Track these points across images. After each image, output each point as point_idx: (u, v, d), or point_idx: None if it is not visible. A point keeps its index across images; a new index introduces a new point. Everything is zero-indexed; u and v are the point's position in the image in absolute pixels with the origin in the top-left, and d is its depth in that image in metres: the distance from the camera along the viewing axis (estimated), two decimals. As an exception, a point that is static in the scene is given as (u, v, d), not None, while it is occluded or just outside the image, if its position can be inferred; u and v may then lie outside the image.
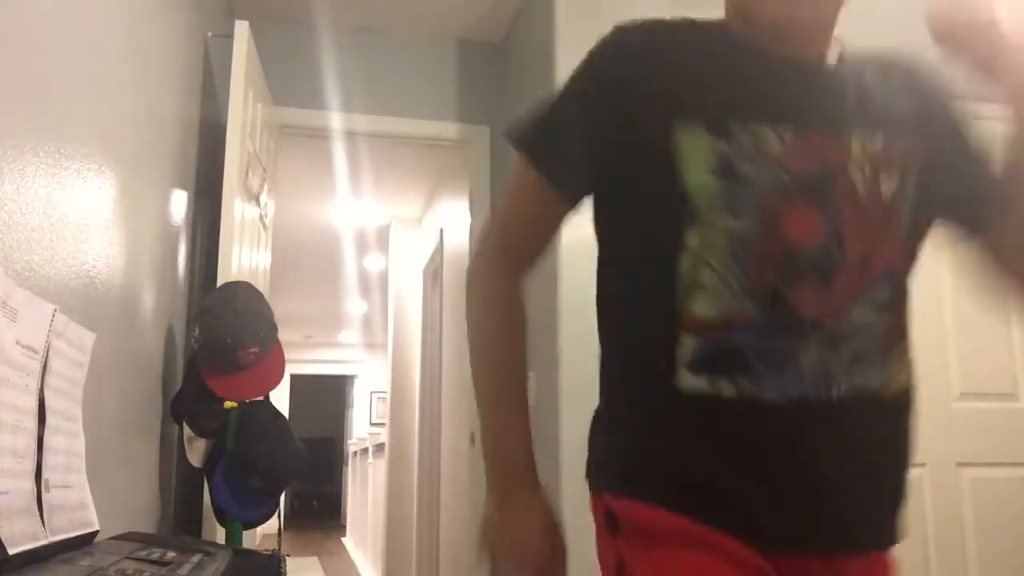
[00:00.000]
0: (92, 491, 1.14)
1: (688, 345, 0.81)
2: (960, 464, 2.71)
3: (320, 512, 12.75)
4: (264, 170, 2.90)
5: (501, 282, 0.98)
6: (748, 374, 0.80)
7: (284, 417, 2.13)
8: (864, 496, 0.83)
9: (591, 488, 0.94)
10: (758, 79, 0.86)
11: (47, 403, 0.99)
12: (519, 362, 0.98)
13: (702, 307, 0.81)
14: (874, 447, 0.83)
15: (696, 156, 0.82)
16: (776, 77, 0.85)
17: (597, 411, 0.97)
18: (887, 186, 0.84)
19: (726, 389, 0.80)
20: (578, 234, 2.75)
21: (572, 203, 0.95)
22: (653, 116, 0.84)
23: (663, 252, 0.83)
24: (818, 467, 0.80)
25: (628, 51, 0.90)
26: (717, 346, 0.81)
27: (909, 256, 0.88)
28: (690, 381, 0.81)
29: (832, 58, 0.89)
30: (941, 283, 2.81)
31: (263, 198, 2.94)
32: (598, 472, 0.93)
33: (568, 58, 2.71)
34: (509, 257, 0.98)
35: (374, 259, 6.62)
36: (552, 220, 0.96)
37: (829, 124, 0.84)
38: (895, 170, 0.84)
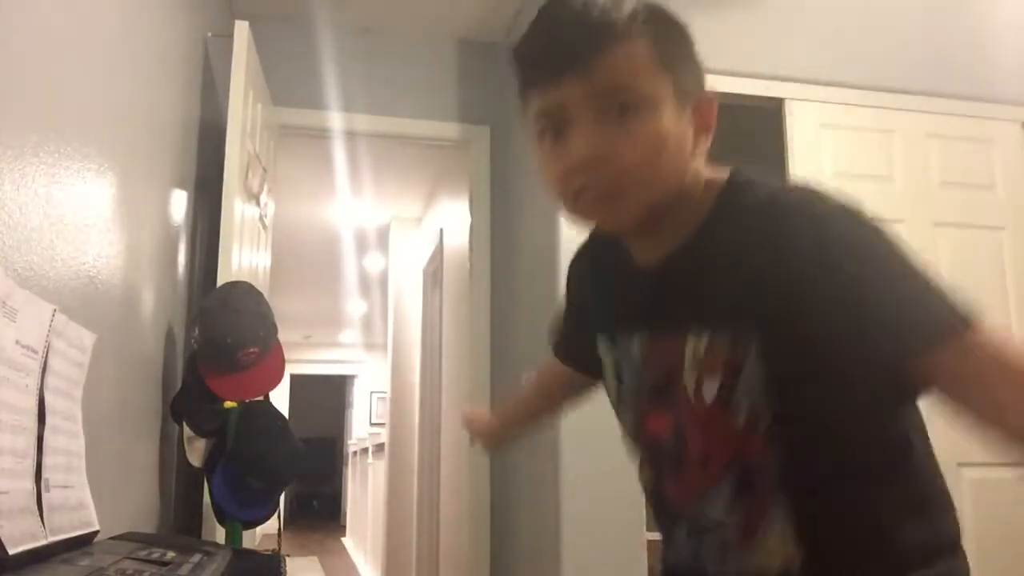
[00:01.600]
0: (92, 491, 1.14)
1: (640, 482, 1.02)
2: (960, 464, 2.71)
3: (320, 512, 12.74)
4: (264, 170, 2.90)
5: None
6: (659, 528, 1.01)
7: (284, 417, 2.13)
8: None
9: None
10: (628, 289, 0.95)
11: (47, 403, 0.99)
12: (536, 388, 1.36)
13: (639, 468, 1.01)
14: None
15: (606, 361, 1.01)
16: (636, 286, 0.93)
17: None
18: (708, 389, 0.85)
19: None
20: (578, 235, 2.75)
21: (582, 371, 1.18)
22: (585, 327, 1.06)
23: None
24: None
25: (571, 279, 1.13)
26: (647, 496, 1.01)
27: (773, 440, 0.83)
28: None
29: (691, 237, 0.87)
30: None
31: (263, 198, 2.94)
32: None
33: (568, 58, 2.71)
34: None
35: (374, 259, 6.62)
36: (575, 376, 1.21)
37: (668, 328, 0.89)
38: (717, 372, 0.84)
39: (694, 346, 0.85)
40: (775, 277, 0.79)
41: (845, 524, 0.85)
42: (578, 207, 0.87)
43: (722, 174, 0.88)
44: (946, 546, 0.89)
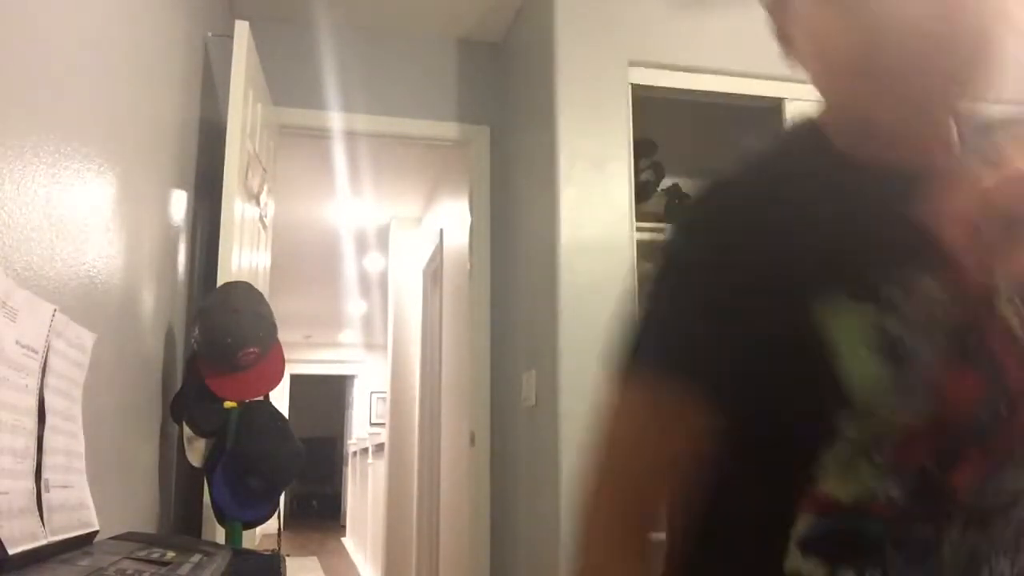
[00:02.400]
0: (92, 491, 1.14)
1: (806, 522, 0.67)
2: (960, 464, 2.71)
3: (320, 512, 12.74)
4: (264, 170, 2.90)
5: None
6: (880, 564, 0.65)
7: (284, 417, 2.13)
8: None
9: None
10: (889, 212, 0.66)
11: (47, 403, 0.99)
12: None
13: (834, 487, 0.66)
14: None
15: (850, 336, 0.64)
16: (906, 203, 0.63)
17: None
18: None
19: None
20: (578, 235, 2.77)
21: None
22: (778, 294, 0.66)
23: (803, 442, 0.67)
24: None
25: (729, 217, 0.70)
26: (842, 528, 0.66)
27: None
28: (798, 563, 0.66)
29: (952, 148, 0.68)
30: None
31: (263, 198, 2.94)
32: None
33: (568, 58, 2.71)
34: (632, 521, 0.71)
35: (374, 259, 6.62)
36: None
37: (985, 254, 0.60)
38: None
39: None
40: None
41: None
42: (882, 86, 0.66)
43: None
44: None
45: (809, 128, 0.73)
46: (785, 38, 0.75)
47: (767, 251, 0.67)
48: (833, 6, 0.65)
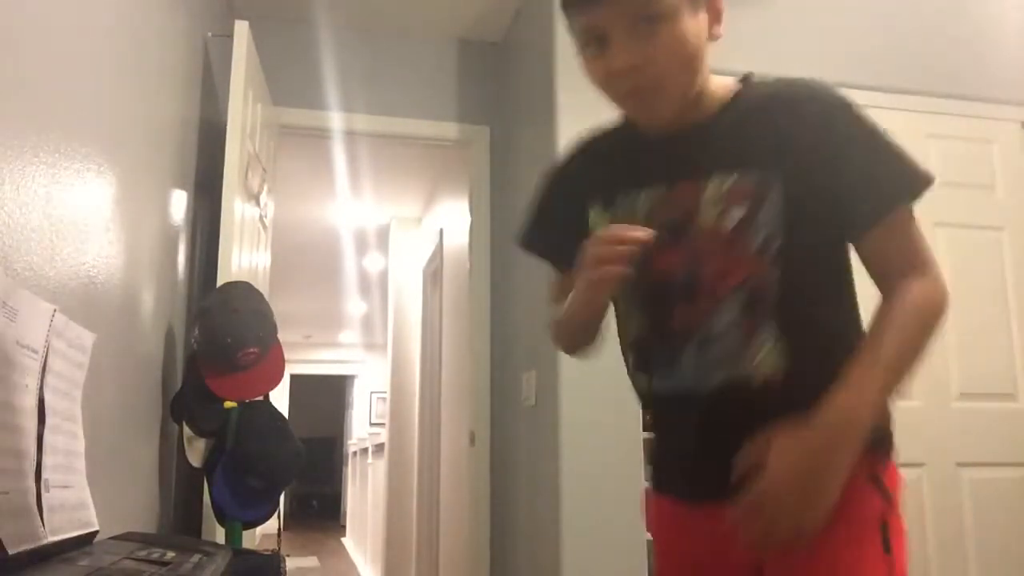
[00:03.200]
0: (92, 491, 1.14)
1: (630, 354, 1.16)
2: (960, 464, 2.71)
3: (320, 512, 12.74)
4: (264, 170, 2.90)
5: None
6: (653, 371, 1.11)
7: (284, 417, 2.13)
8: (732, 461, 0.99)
9: None
10: (642, 158, 1.12)
11: (47, 403, 0.99)
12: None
13: (631, 330, 1.15)
14: (744, 424, 0.98)
15: (598, 225, 1.12)
16: (655, 152, 1.10)
17: None
18: (732, 216, 1.02)
19: (645, 380, 1.13)
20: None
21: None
22: (565, 214, 1.19)
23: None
24: (698, 442, 1.07)
25: (554, 180, 1.26)
26: (640, 353, 1.14)
27: (776, 262, 1.02)
28: (633, 376, 1.16)
29: (711, 116, 1.08)
30: (941, 283, 2.81)
31: (263, 198, 2.94)
32: None
33: (568, 58, 2.71)
34: None
35: (374, 259, 6.62)
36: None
37: (691, 175, 1.05)
38: (744, 202, 1.02)
39: (719, 185, 1.03)
40: (796, 133, 1.03)
41: (819, 337, 1.05)
42: (627, 105, 1.08)
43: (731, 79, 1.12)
44: None
45: (625, 124, 1.17)
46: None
47: (568, 193, 1.20)
48: (592, 64, 1.06)
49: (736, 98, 1.09)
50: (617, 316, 1.18)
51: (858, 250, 1.07)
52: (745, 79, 1.13)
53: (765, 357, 1.02)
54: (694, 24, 1.01)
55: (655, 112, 1.07)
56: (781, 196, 1.01)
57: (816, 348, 1.03)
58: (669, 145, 1.09)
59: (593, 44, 1.03)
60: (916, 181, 1.02)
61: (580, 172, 1.20)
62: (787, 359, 1.02)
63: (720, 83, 1.10)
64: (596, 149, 1.20)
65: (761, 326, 1.02)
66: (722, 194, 1.03)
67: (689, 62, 1.02)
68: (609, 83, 1.05)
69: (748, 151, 1.04)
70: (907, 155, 1.03)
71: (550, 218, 1.24)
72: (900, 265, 1.03)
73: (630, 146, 1.14)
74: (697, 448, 1.08)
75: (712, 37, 1.05)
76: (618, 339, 1.19)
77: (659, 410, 1.15)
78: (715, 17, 1.05)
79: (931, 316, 1.04)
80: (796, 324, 1.02)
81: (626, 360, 1.17)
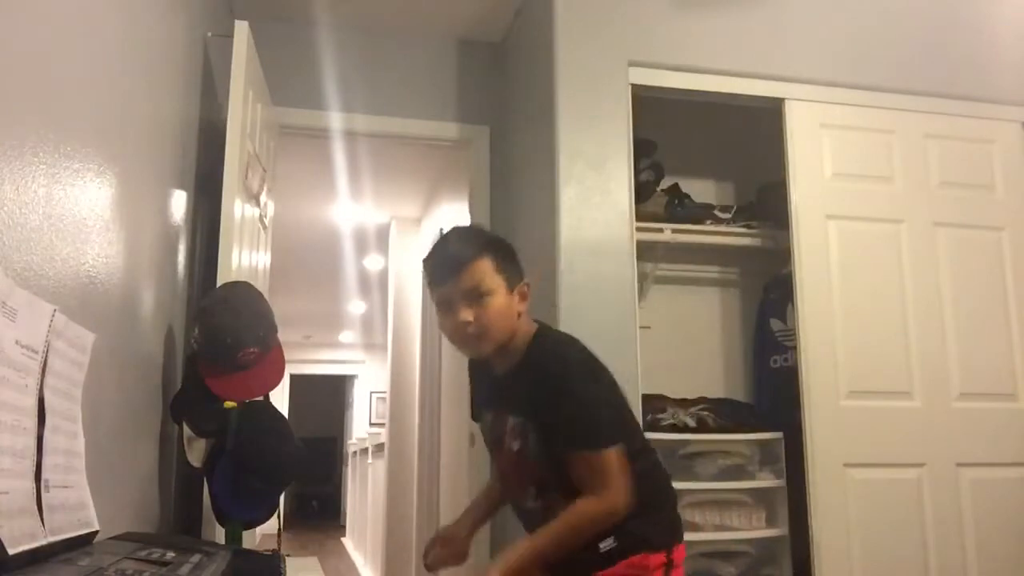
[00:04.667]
0: (92, 491, 1.14)
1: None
2: (960, 464, 2.71)
3: (320, 512, 12.73)
4: (264, 170, 2.90)
5: None
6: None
7: (284, 417, 2.12)
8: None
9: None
10: (490, 385, 1.72)
11: (47, 403, 0.99)
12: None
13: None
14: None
15: (484, 423, 1.74)
16: (493, 384, 1.69)
17: None
18: (514, 445, 1.61)
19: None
20: (578, 235, 2.76)
21: None
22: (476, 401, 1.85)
23: None
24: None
25: (471, 372, 1.89)
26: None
27: (554, 472, 1.57)
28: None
29: (515, 364, 1.62)
30: (940, 284, 2.82)
31: (263, 198, 2.94)
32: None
33: (568, 58, 2.72)
34: None
35: (374, 259, 6.62)
36: None
37: (501, 408, 1.65)
38: (517, 435, 1.60)
39: (512, 422, 1.61)
40: (542, 388, 1.54)
41: (573, 496, 1.55)
42: (465, 346, 1.62)
43: (533, 327, 1.64)
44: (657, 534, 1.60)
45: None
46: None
47: (476, 387, 1.89)
48: (444, 319, 1.62)
49: (530, 348, 1.60)
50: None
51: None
52: (537, 334, 1.63)
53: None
54: (508, 302, 1.57)
55: (481, 350, 1.61)
56: (536, 431, 1.57)
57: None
58: (496, 384, 1.67)
59: (444, 307, 1.59)
60: (591, 438, 1.52)
61: (477, 380, 1.83)
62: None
63: (525, 333, 1.62)
64: (481, 367, 1.74)
65: (553, 504, 1.57)
66: (511, 429, 1.60)
67: (502, 324, 1.56)
68: (455, 332, 1.58)
69: (521, 401, 1.59)
70: (600, 415, 1.55)
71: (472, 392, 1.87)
72: (582, 484, 1.52)
73: (490, 371, 1.69)
74: None
75: (520, 311, 1.60)
76: None
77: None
78: (521, 298, 1.61)
79: (579, 525, 1.53)
80: (564, 492, 1.55)
81: None
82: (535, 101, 2.93)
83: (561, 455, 1.54)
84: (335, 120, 3.26)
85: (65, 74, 1.26)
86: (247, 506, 2.02)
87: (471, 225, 1.74)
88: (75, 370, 1.12)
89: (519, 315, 1.60)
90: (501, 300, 1.55)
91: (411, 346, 5.54)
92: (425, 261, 1.64)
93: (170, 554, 1.05)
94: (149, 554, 1.03)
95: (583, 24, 2.75)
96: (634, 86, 2.72)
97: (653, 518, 1.60)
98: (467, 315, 1.54)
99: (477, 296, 1.54)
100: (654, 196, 3.02)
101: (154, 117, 1.97)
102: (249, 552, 1.60)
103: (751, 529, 2.78)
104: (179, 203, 2.30)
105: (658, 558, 1.56)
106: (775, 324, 3.07)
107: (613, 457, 1.51)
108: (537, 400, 1.54)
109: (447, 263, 1.58)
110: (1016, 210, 2.94)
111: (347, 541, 9.65)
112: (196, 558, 1.07)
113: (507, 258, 1.60)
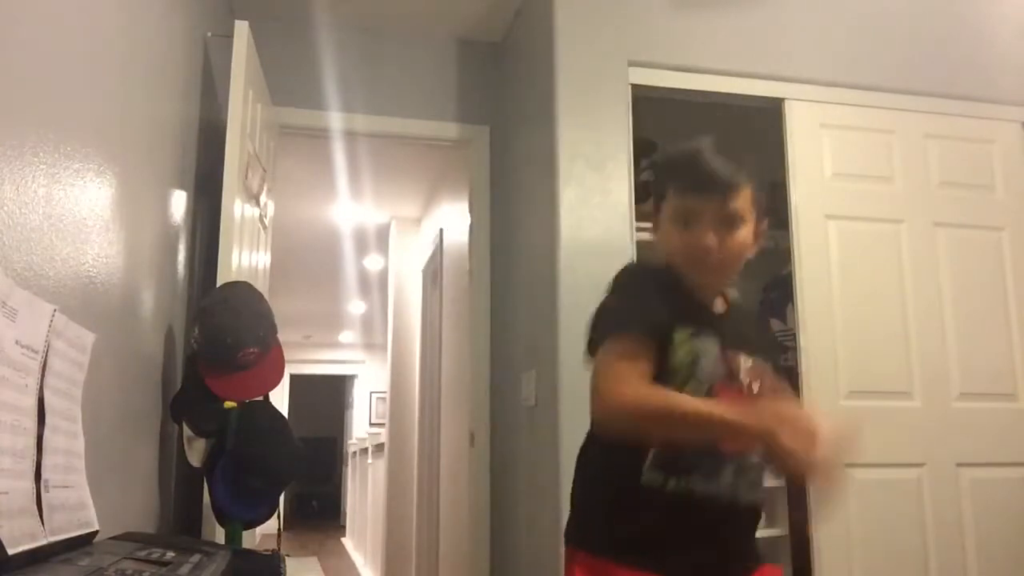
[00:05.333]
0: (92, 491, 1.14)
1: (652, 453, 1.35)
2: (960, 464, 2.71)
3: (320, 512, 12.73)
4: (264, 170, 2.90)
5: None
6: (685, 475, 1.34)
7: (284, 417, 2.13)
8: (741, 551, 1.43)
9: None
10: (701, 314, 1.44)
11: (47, 403, 0.99)
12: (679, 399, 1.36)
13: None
14: (751, 532, 1.44)
15: (684, 346, 1.37)
16: (708, 315, 1.46)
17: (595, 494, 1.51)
18: (755, 387, 1.42)
19: (660, 479, 1.35)
20: (578, 235, 2.76)
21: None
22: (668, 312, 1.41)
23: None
24: (723, 541, 1.38)
25: (655, 283, 1.46)
26: (668, 457, 1.35)
27: None
28: (646, 471, 1.36)
29: (722, 304, 1.49)
30: (940, 285, 2.82)
31: (263, 198, 2.94)
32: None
33: (568, 58, 2.71)
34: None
35: (374, 259, 6.62)
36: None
37: (733, 347, 1.42)
38: (758, 376, 1.43)
39: (749, 362, 1.43)
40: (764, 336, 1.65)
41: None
42: (696, 268, 1.42)
43: None
44: None
45: (667, 266, 1.45)
46: (654, 229, 1.51)
47: (670, 298, 1.41)
48: (679, 234, 1.42)
49: (731, 300, 1.51)
50: None
51: None
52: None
53: (764, 486, 1.48)
54: (751, 236, 1.42)
55: (711, 279, 1.45)
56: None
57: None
58: (720, 318, 1.47)
59: (685, 221, 1.41)
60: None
61: (667, 289, 1.44)
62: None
63: None
64: (671, 282, 1.45)
65: (761, 464, 1.41)
66: (746, 368, 1.42)
67: (741, 256, 1.43)
68: (694, 250, 1.40)
69: (752, 342, 1.47)
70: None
71: (657, 306, 1.43)
72: None
73: (694, 298, 1.47)
74: (721, 545, 1.37)
75: (754, 247, 1.45)
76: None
77: (680, 508, 1.34)
78: (755, 239, 1.44)
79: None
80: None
81: (636, 457, 1.35)
82: (535, 101, 2.93)
83: None
84: (335, 120, 3.26)
85: (65, 74, 1.26)
86: (247, 506, 2.02)
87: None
88: (75, 370, 1.12)
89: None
90: (747, 234, 1.42)
91: (411, 346, 5.54)
92: (676, 165, 1.47)
93: (170, 554, 1.05)
94: (149, 554, 1.03)
95: (583, 24, 2.75)
96: (634, 86, 2.72)
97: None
98: (712, 239, 1.39)
99: (730, 222, 1.39)
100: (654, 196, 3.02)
101: (154, 117, 1.97)
102: (249, 552, 1.60)
103: (751, 529, 2.77)
104: (179, 203, 2.30)
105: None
106: (775, 324, 3.07)
107: None
108: (764, 340, 1.53)
109: (716, 178, 1.40)
110: (1016, 210, 2.94)
111: (347, 541, 9.65)
112: (196, 558, 1.07)
113: (760, 193, 1.46)
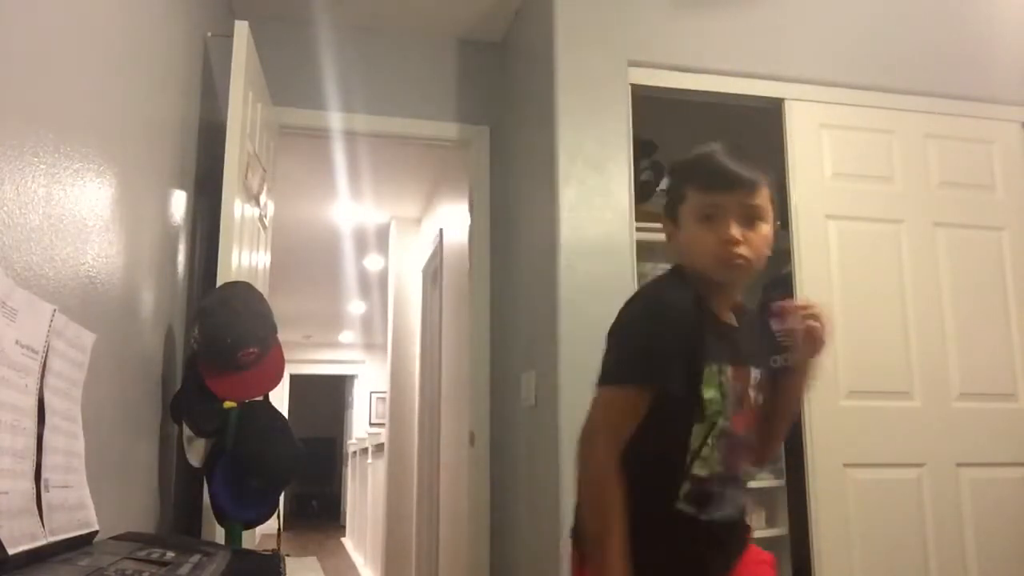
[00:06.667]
0: (92, 491, 1.14)
1: (686, 487, 1.38)
2: (959, 464, 2.71)
3: (320, 512, 12.73)
4: (264, 170, 2.90)
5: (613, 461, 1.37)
6: (707, 506, 1.39)
7: (284, 417, 2.13)
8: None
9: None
10: (719, 335, 1.44)
11: (47, 403, 0.99)
12: (622, 517, 1.35)
13: (701, 469, 1.39)
14: (743, 531, 1.50)
15: (712, 382, 1.39)
16: (724, 334, 1.45)
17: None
18: (759, 399, 1.47)
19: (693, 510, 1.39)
20: (578, 235, 2.76)
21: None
22: (691, 355, 1.40)
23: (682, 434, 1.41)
24: (725, 553, 1.46)
25: (685, 318, 1.40)
26: (699, 490, 1.39)
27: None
28: (682, 505, 1.39)
29: (734, 319, 1.50)
30: (940, 285, 2.82)
31: (263, 198, 2.94)
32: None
33: (568, 58, 2.71)
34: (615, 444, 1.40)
35: (374, 259, 6.62)
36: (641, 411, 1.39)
37: (742, 363, 1.44)
38: (760, 389, 1.47)
39: (754, 375, 1.46)
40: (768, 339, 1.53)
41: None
42: (725, 265, 1.40)
43: None
44: None
45: (683, 279, 1.45)
46: (672, 238, 1.50)
47: (692, 337, 1.39)
48: (703, 232, 1.41)
49: (738, 308, 1.52)
50: (683, 453, 1.40)
51: None
52: None
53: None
54: (770, 234, 1.43)
55: (739, 274, 1.43)
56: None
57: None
58: (732, 330, 1.48)
59: (710, 218, 1.41)
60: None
61: (686, 315, 1.42)
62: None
63: None
64: (690, 303, 1.44)
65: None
66: (755, 383, 1.46)
67: (765, 253, 1.43)
68: (722, 246, 1.39)
69: (754, 352, 1.48)
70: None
71: (671, 350, 1.41)
72: None
73: (714, 319, 1.47)
74: (723, 558, 1.45)
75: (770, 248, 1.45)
76: (657, 465, 1.40)
77: (698, 533, 1.40)
78: (773, 237, 1.46)
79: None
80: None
81: (672, 491, 1.38)
82: (535, 101, 2.93)
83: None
84: (335, 120, 3.26)
85: (65, 74, 1.26)
86: (247, 506, 2.02)
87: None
88: (75, 370, 1.12)
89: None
90: (769, 230, 1.43)
91: (411, 346, 5.54)
92: (694, 166, 1.47)
93: (170, 554, 1.05)
94: (149, 554, 1.03)
95: (583, 24, 2.75)
96: (634, 86, 2.72)
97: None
98: (738, 231, 1.39)
99: (753, 217, 1.41)
100: (654, 196, 3.02)
101: (154, 117, 1.97)
102: (249, 552, 1.60)
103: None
104: (179, 203, 2.30)
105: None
106: (775, 324, 3.06)
107: None
108: (767, 344, 1.50)
109: (738, 173, 1.42)
110: (1016, 210, 2.94)
111: (347, 541, 9.65)
112: (196, 558, 1.07)
113: (777, 191, 1.48)
